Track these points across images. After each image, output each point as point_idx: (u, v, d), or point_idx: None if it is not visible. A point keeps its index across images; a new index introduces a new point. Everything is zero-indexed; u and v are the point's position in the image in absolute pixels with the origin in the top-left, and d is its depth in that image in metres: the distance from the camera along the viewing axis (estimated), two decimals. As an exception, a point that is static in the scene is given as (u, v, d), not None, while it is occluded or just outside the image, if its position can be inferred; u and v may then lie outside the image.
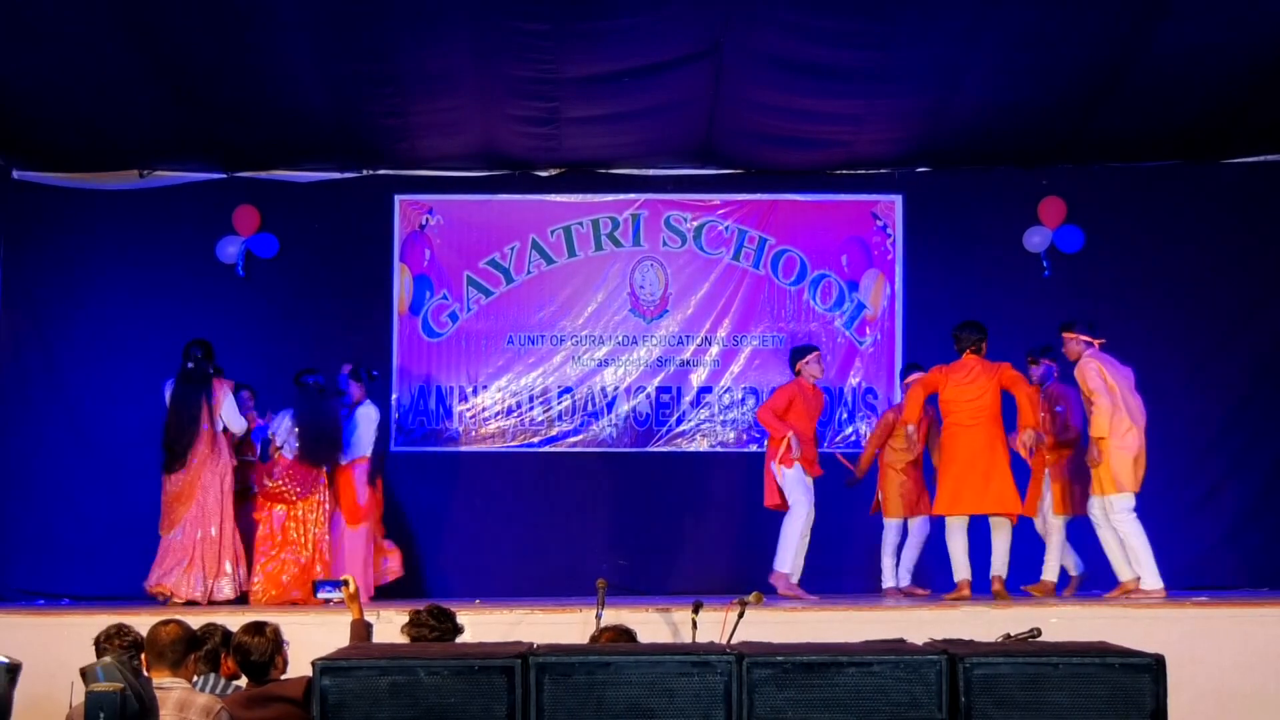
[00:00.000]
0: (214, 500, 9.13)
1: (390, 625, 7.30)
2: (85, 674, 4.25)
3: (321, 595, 6.63)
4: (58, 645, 7.12)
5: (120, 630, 5.67)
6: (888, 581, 9.65)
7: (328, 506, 9.36)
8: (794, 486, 9.18)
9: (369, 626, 6.26)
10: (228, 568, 9.15)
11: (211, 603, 8.94)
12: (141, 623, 5.66)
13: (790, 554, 9.12)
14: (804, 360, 9.51)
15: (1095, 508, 8.89)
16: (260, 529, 9.35)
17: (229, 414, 9.21)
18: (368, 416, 9.59)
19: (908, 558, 9.67)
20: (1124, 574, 8.83)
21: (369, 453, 9.54)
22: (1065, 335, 9.09)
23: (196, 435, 9.10)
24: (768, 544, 9.37)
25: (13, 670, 4.10)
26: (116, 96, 9.11)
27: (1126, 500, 8.78)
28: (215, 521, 9.12)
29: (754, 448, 10.31)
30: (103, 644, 5.60)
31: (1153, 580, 8.71)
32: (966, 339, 9.13)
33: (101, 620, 6.23)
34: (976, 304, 10.28)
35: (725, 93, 9.34)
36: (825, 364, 9.83)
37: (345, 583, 6.36)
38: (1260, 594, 9.56)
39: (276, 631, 5.49)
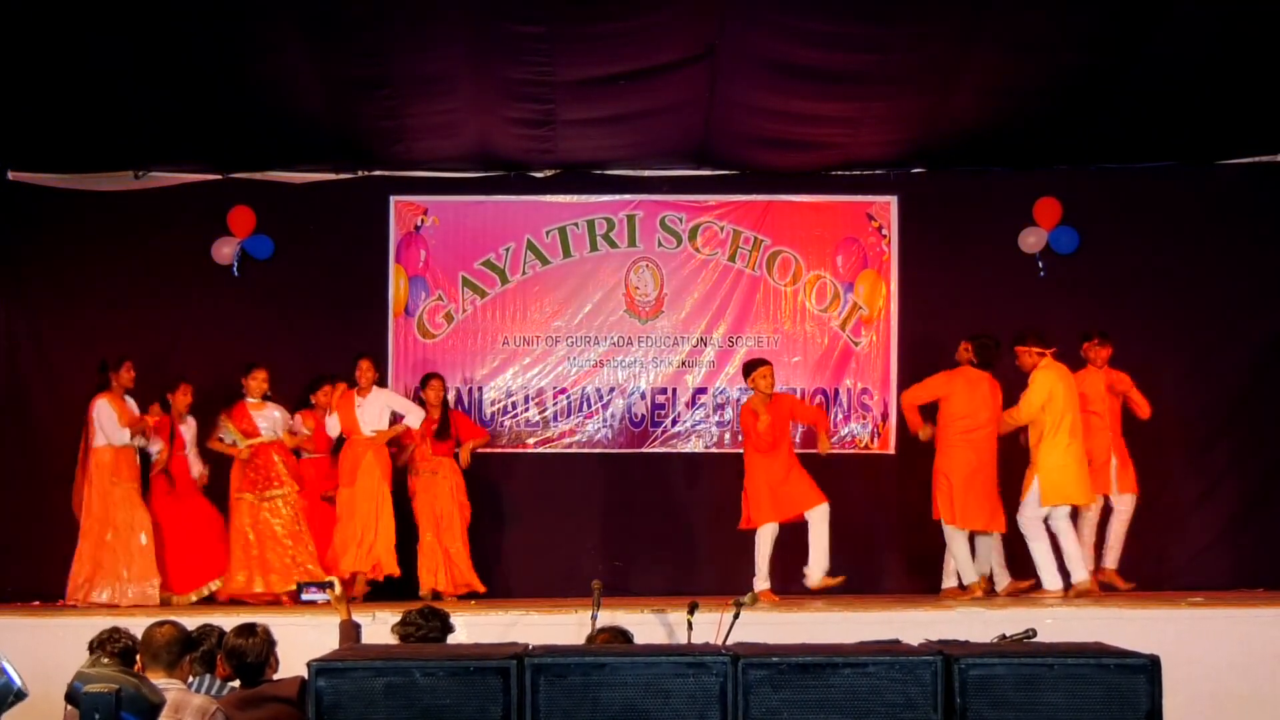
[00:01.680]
0: (119, 509, 9.15)
1: (385, 626, 7.29)
2: (69, 697, 4.23)
3: (306, 598, 6.58)
4: (54, 647, 7.13)
5: (115, 633, 5.66)
6: (949, 581, 9.46)
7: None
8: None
9: (358, 627, 6.25)
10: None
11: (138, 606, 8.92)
12: (137, 624, 5.66)
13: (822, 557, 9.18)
14: (751, 376, 9.46)
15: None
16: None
17: (100, 424, 9.24)
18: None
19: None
20: (1077, 573, 8.98)
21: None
22: (1018, 349, 9.18)
23: (75, 449, 9.25)
24: (763, 545, 9.41)
25: (19, 696, 4.07)
26: (112, 97, 9.10)
27: (1036, 509, 8.97)
28: (130, 528, 9.16)
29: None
30: (98, 646, 5.59)
31: (1051, 581, 8.90)
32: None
33: (98, 622, 6.22)
34: (972, 305, 10.30)
35: (720, 96, 9.33)
36: (819, 366, 9.80)
37: (331, 584, 6.35)
38: (1256, 594, 9.57)
39: (267, 631, 5.48)
